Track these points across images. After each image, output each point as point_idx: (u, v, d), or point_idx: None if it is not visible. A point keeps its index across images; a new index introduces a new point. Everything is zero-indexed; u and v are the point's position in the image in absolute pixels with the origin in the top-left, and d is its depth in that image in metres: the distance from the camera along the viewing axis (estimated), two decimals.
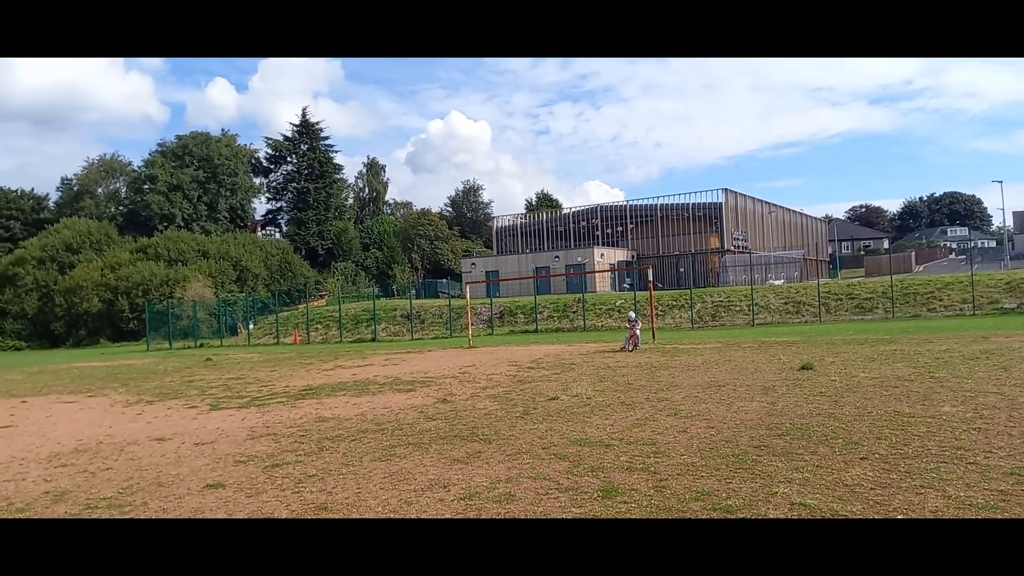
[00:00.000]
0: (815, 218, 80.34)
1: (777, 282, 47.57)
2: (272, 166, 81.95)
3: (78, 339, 52.50)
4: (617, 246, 59.55)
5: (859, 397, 9.55)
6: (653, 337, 24.02)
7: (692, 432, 7.86)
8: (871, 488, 5.36)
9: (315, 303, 52.29)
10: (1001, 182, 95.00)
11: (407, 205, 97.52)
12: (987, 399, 8.81)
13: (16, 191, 75.10)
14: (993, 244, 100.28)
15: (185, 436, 9.65)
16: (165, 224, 67.30)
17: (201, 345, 41.91)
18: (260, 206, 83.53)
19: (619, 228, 61.47)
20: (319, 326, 43.81)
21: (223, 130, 78.49)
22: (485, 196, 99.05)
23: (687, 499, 5.35)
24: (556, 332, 34.75)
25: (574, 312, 37.57)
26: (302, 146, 78.77)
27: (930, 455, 6.24)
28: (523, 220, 69.53)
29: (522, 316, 39.01)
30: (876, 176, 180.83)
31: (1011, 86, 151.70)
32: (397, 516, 5.40)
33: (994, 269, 43.23)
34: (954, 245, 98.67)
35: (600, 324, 35.31)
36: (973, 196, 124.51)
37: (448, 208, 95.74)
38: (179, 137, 74.05)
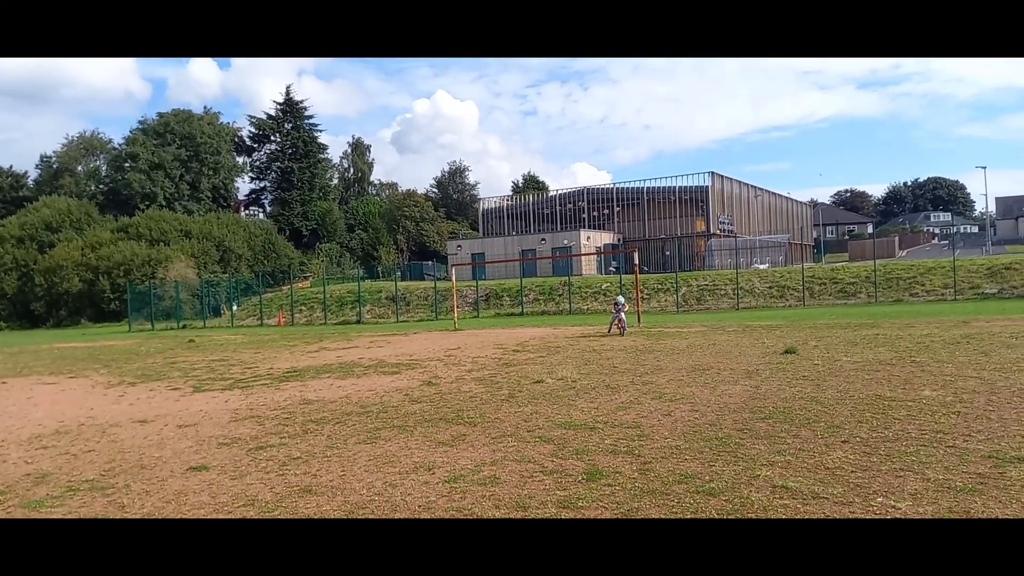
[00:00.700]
0: (800, 202, 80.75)
1: (762, 266, 47.89)
2: (255, 145, 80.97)
3: (58, 319, 51.91)
4: (603, 229, 59.60)
5: (841, 381, 9.64)
6: (639, 320, 24.13)
7: (676, 415, 7.91)
8: (852, 471, 5.42)
9: (299, 284, 52.02)
10: (984, 168, 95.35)
11: (392, 186, 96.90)
12: (967, 383, 8.92)
13: None
14: (976, 230, 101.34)
15: (168, 418, 9.59)
16: (146, 203, 66.42)
17: (184, 326, 41.61)
18: (243, 186, 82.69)
19: (605, 211, 61.50)
20: (303, 308, 43.61)
21: (206, 108, 77.76)
22: (471, 177, 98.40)
23: (671, 482, 5.38)
24: (542, 315, 34.82)
25: (560, 295, 37.62)
26: (286, 125, 77.80)
27: (910, 438, 6.32)
28: (509, 202, 69.34)
29: (508, 299, 39.02)
30: (863, 161, 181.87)
31: (999, 72, 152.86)
32: (382, 498, 5.40)
33: (976, 255, 43.71)
34: (937, 230, 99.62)
35: (586, 307, 35.40)
36: (956, 182, 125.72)
37: (434, 189, 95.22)
38: (161, 115, 73.00)
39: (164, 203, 67.93)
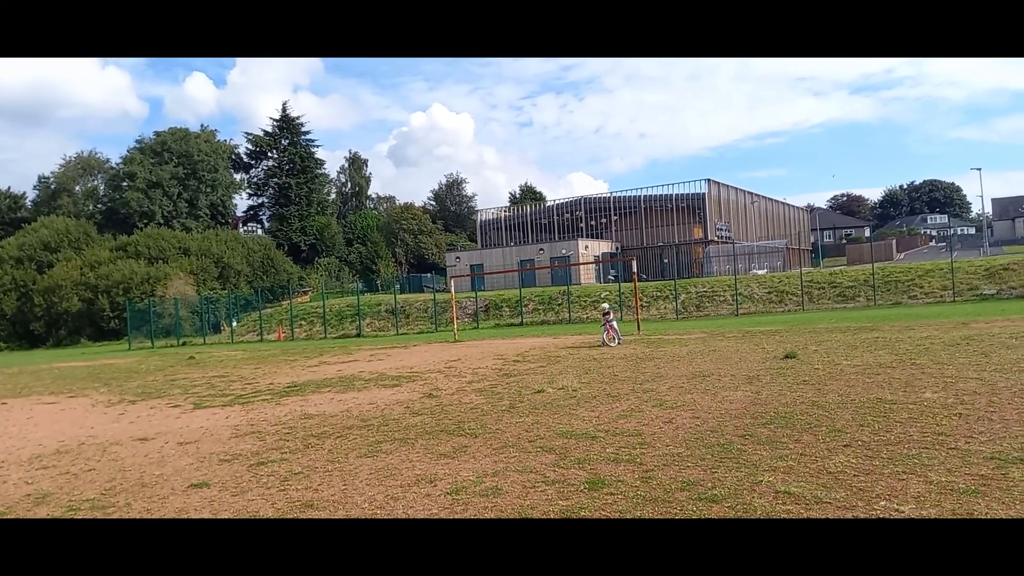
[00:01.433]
0: (797, 207, 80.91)
1: (760, 272, 47.89)
2: (253, 162, 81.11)
3: (58, 339, 51.85)
4: (601, 238, 59.69)
5: (842, 385, 9.63)
6: (638, 328, 24.11)
7: (677, 422, 7.90)
8: (854, 475, 5.41)
9: (299, 299, 51.99)
10: (980, 170, 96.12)
11: (390, 199, 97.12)
12: (968, 385, 8.92)
13: None
14: (972, 231, 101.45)
15: (168, 435, 9.56)
16: (145, 221, 66.53)
17: (183, 343, 41.56)
18: (241, 202, 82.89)
19: (603, 220, 61.60)
20: (303, 322, 43.58)
21: (202, 126, 77.87)
22: (468, 189, 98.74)
23: (673, 489, 5.37)
24: (541, 325, 34.79)
25: (559, 304, 37.62)
26: (283, 141, 78.03)
27: (912, 441, 6.31)
28: (507, 213, 69.47)
29: (507, 309, 39.01)
30: (858, 166, 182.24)
31: (990, 73, 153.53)
32: (384, 512, 5.38)
33: (974, 256, 43.76)
34: (934, 233, 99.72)
35: (586, 316, 35.38)
36: (952, 184, 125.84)
37: (431, 202, 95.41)
38: (158, 133, 73.32)
39: (162, 221, 68.03)
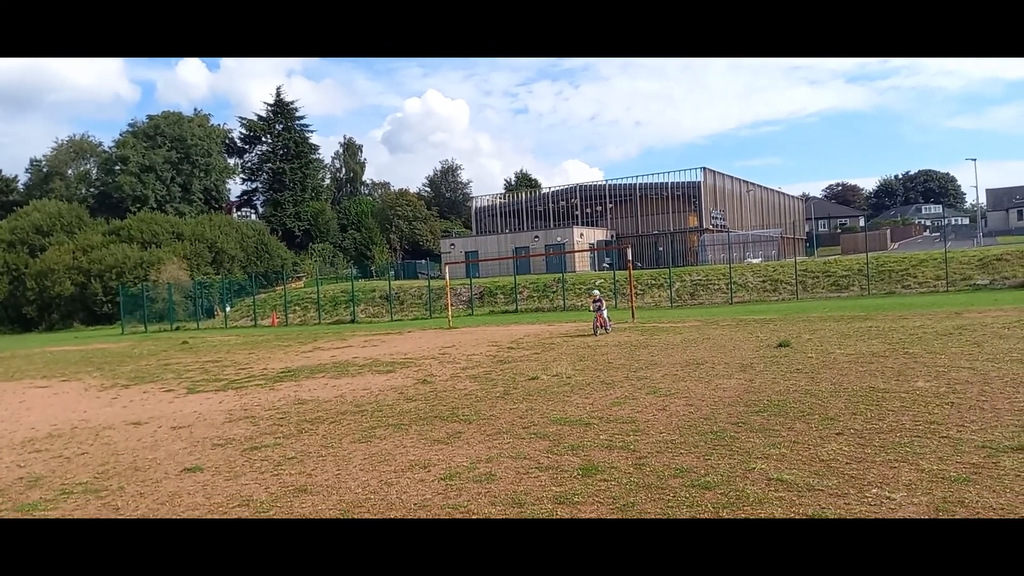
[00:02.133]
0: (792, 196, 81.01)
1: (755, 260, 47.97)
2: (246, 146, 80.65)
3: (51, 323, 51.64)
4: (596, 226, 59.68)
5: (835, 373, 9.67)
6: (632, 316, 24.15)
7: (671, 410, 7.92)
8: (847, 463, 5.44)
9: (293, 285, 51.87)
10: (975, 160, 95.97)
11: (385, 185, 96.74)
12: (960, 374, 8.96)
13: None
14: (967, 221, 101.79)
15: (162, 420, 9.55)
16: (138, 206, 66.12)
17: (177, 328, 41.45)
18: (235, 187, 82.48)
19: (598, 208, 61.57)
20: (297, 308, 43.49)
21: (196, 110, 77.36)
22: (463, 176, 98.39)
23: (666, 476, 5.38)
24: (536, 312, 34.81)
25: (554, 292, 37.63)
26: (277, 126, 77.54)
27: (904, 430, 6.34)
28: (502, 200, 69.39)
29: (502, 296, 39.00)
30: (853, 155, 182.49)
31: (986, 63, 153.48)
32: (378, 497, 5.39)
33: (967, 246, 43.90)
34: (928, 223, 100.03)
35: (580, 304, 35.37)
36: (947, 174, 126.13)
37: (426, 188, 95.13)
38: (150, 117, 72.67)
39: (155, 205, 67.65)
